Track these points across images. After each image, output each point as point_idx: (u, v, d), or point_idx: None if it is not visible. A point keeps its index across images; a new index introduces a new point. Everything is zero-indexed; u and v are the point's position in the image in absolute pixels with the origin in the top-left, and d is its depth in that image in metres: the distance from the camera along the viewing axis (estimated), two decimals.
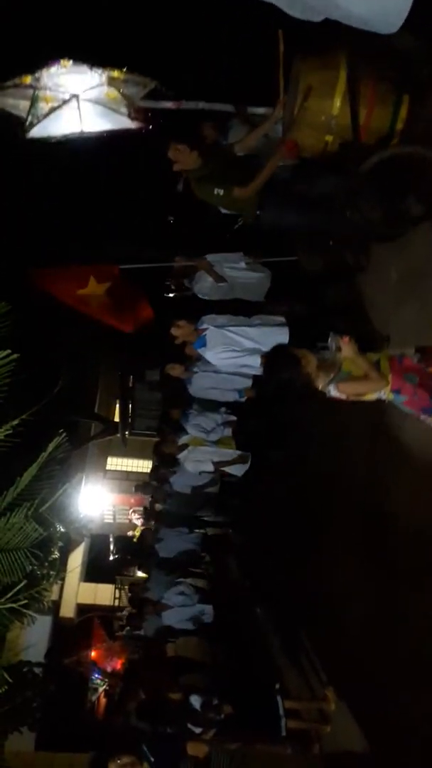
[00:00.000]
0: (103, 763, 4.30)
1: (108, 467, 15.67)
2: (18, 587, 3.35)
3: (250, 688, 4.90)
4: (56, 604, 12.18)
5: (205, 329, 5.31)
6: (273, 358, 3.06)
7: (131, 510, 13.27)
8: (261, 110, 4.90)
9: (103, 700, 12.64)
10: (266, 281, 6.12)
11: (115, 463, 15.80)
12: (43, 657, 10.09)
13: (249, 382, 5.99)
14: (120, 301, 6.08)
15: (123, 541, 13.47)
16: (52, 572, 5.65)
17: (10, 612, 3.47)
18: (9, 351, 3.19)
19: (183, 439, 6.80)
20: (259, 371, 5.52)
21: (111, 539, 13.82)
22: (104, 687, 12.27)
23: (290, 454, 6.82)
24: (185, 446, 6.79)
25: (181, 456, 6.84)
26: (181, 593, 7.20)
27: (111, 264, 6.13)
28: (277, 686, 4.80)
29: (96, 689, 12.56)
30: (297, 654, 5.45)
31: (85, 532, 11.76)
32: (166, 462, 7.37)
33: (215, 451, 6.76)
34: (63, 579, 11.32)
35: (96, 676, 12.57)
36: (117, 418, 15.03)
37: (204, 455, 6.75)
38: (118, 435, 14.29)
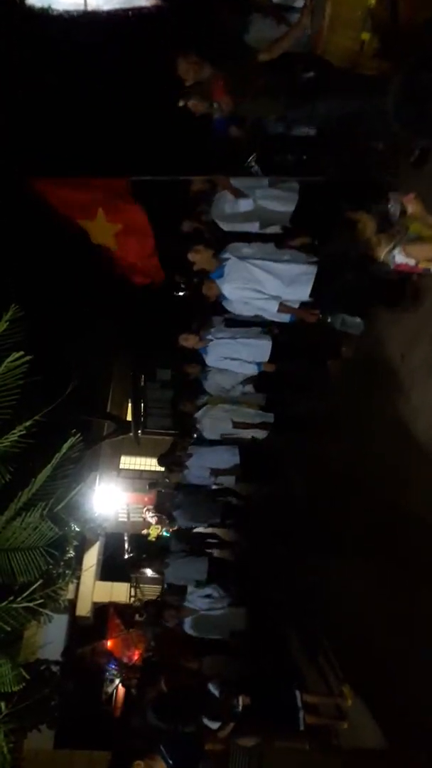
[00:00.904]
0: (122, 762, 4.32)
1: (121, 466, 15.75)
2: (34, 586, 3.38)
3: (269, 680, 4.91)
4: (72, 603, 12.23)
5: (227, 259, 4.86)
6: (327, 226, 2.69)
7: (145, 509, 13.32)
8: None
9: (120, 693, 12.49)
10: (293, 198, 5.06)
11: (128, 462, 15.87)
12: (60, 655, 10.16)
13: (267, 351, 5.75)
14: (130, 247, 5.33)
15: (137, 540, 13.53)
16: (67, 571, 5.69)
17: (27, 611, 3.50)
18: (22, 353, 3.20)
19: (202, 399, 6.46)
20: (275, 317, 5.20)
21: (126, 538, 13.89)
22: (120, 678, 12.09)
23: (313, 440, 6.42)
24: (203, 405, 6.46)
25: (198, 414, 6.47)
26: (207, 596, 6.60)
27: (120, 177, 5.22)
28: (296, 681, 4.80)
29: (112, 680, 12.41)
30: (315, 650, 5.44)
31: (100, 531, 11.85)
32: (183, 427, 7.00)
33: (235, 410, 6.37)
34: (78, 578, 11.38)
35: (112, 666, 12.39)
36: (129, 417, 15.10)
37: (223, 414, 6.36)
38: (131, 434, 14.34)
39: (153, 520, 12.37)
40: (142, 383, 14.59)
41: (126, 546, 13.69)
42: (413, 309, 4.05)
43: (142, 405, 14.52)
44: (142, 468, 15.66)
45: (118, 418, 15.00)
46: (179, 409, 6.95)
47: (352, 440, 5.31)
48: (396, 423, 4.46)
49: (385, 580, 4.40)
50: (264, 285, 4.74)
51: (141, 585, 13.71)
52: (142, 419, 14.43)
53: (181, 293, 10.56)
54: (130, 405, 15.34)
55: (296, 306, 4.97)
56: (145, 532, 13.36)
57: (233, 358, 5.90)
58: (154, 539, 12.90)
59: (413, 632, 3.91)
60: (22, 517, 3.64)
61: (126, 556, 13.32)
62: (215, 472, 7.06)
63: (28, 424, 3.40)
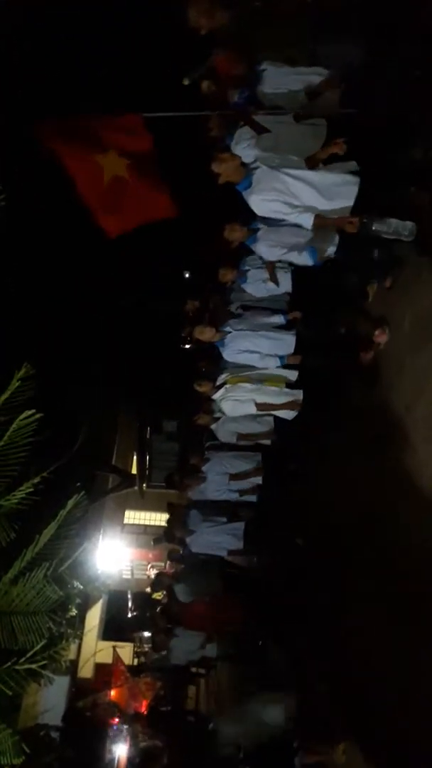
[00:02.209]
0: None
1: (126, 521, 15.56)
2: (36, 648, 3.31)
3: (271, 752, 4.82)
4: (74, 664, 11.87)
5: (255, 168, 4.30)
6: None
7: (149, 565, 13.09)
8: None
9: (122, 761, 11.77)
10: (321, 132, 4.48)
11: (132, 516, 15.69)
12: (61, 720, 9.81)
13: (291, 344, 5.30)
14: (142, 180, 4.88)
15: (141, 598, 13.22)
16: (69, 631, 5.56)
17: (28, 673, 3.41)
18: (34, 411, 3.25)
19: (221, 378, 5.75)
20: (300, 259, 4.65)
21: (129, 596, 13.58)
22: (126, 732, 11.00)
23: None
24: (222, 386, 5.77)
25: (217, 395, 5.78)
26: (205, 520, 6.60)
27: (132, 113, 4.86)
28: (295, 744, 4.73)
29: (118, 736, 11.27)
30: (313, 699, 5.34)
31: (103, 589, 11.61)
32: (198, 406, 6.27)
33: (258, 389, 5.62)
34: (81, 638, 11.09)
35: (116, 724, 11.28)
36: (134, 471, 15.03)
37: (245, 394, 5.65)
38: (136, 487, 14.25)
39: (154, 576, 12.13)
40: (148, 435, 14.60)
41: (129, 604, 13.38)
42: None
43: (148, 457, 14.49)
44: (147, 522, 15.47)
45: (123, 472, 14.95)
46: (195, 392, 6.10)
47: (356, 492, 5.29)
48: (403, 475, 4.46)
49: (398, 635, 4.30)
50: (298, 195, 4.17)
51: (144, 645, 13.27)
52: (147, 472, 14.36)
53: (186, 346, 10.74)
54: (135, 458, 15.30)
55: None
56: (148, 590, 13.07)
57: (253, 351, 5.42)
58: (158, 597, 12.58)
59: (421, 686, 3.80)
60: (26, 579, 3.59)
61: (129, 615, 13.00)
62: (235, 478, 6.52)
63: (35, 481, 3.41)
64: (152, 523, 15.14)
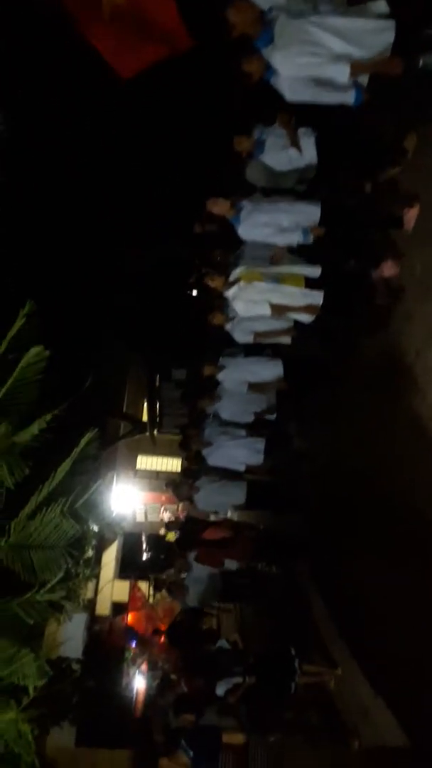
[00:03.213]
0: (146, 759, 4.39)
1: (138, 466, 15.83)
2: (55, 579, 3.42)
3: (273, 659, 5.10)
4: (92, 602, 12.29)
5: (274, 18, 3.77)
6: None
7: (162, 508, 13.35)
8: None
9: (141, 692, 11.97)
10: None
11: (145, 461, 15.95)
12: (81, 654, 10.22)
13: (316, 214, 4.64)
14: (145, 15, 4.39)
15: (155, 540, 13.56)
16: (86, 570, 5.73)
17: (48, 604, 3.54)
18: (42, 347, 3.25)
19: (234, 273, 5.11)
20: (341, 95, 3.93)
21: (143, 537, 13.93)
22: (143, 660, 10.81)
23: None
24: (236, 282, 5.14)
25: (230, 293, 5.18)
26: (224, 432, 6.43)
27: None
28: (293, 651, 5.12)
29: (135, 661, 11.07)
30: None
31: (118, 530, 11.90)
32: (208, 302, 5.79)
33: (275, 288, 5.00)
34: (98, 577, 11.44)
35: (133, 644, 11.06)
36: (145, 418, 15.16)
37: (260, 294, 5.05)
38: (147, 434, 14.41)
39: (167, 518, 12.40)
40: (158, 383, 14.63)
41: (144, 545, 13.73)
42: None
43: (158, 405, 14.57)
44: (159, 468, 15.73)
45: (134, 419, 15.07)
46: (206, 288, 5.59)
47: (367, 439, 5.30)
48: (412, 420, 4.45)
49: (407, 576, 4.39)
50: (327, 45, 3.67)
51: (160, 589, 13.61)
52: (157, 419, 14.48)
53: (194, 293, 10.61)
54: (145, 405, 15.40)
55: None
56: (162, 532, 13.37)
57: (271, 225, 4.79)
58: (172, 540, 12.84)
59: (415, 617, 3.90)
60: (43, 514, 3.67)
61: (144, 556, 13.35)
62: (255, 388, 6.12)
63: (47, 418, 3.44)
64: (164, 468, 15.40)
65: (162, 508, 14.10)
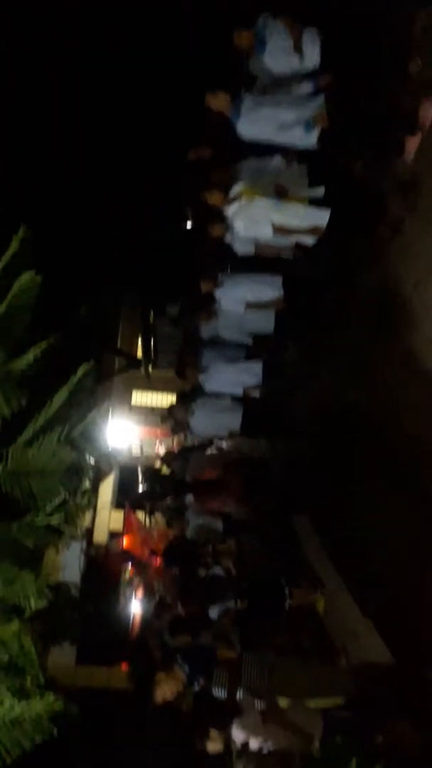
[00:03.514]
0: (142, 674, 4.61)
1: (133, 402, 15.95)
2: (55, 503, 3.49)
3: (264, 584, 5.33)
4: (89, 532, 12.66)
5: None
6: None
7: (158, 442, 13.52)
8: None
9: (137, 615, 11.89)
10: None
11: (140, 397, 16.06)
12: (79, 580, 10.61)
13: (320, 102, 4.39)
14: None
15: (151, 472, 13.83)
16: (84, 501, 5.85)
17: (48, 529, 3.63)
18: (34, 271, 3.18)
19: (234, 190, 4.87)
20: None
21: (139, 470, 14.20)
22: (139, 582, 10.84)
23: None
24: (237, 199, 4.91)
25: (230, 211, 4.95)
26: (221, 356, 6.24)
27: None
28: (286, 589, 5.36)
29: (131, 583, 11.12)
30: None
31: (114, 463, 12.12)
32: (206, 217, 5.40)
33: (277, 206, 4.73)
34: (95, 507, 11.73)
35: (128, 565, 11.15)
36: (140, 354, 15.13)
37: (262, 211, 4.79)
38: (142, 370, 14.41)
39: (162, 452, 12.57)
40: (152, 319, 14.50)
41: (140, 478, 14.02)
42: None
43: (152, 341, 14.50)
44: (154, 404, 15.85)
45: (129, 355, 15.03)
46: (204, 204, 5.23)
47: (362, 371, 5.30)
48: (408, 353, 4.44)
49: (397, 506, 4.50)
50: None
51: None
52: (152, 356, 14.45)
53: (189, 225, 10.35)
54: (140, 341, 15.34)
55: None
56: (158, 465, 13.60)
57: (273, 120, 4.53)
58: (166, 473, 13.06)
59: (423, 553, 4.03)
60: (40, 441, 3.71)
61: (140, 488, 13.65)
62: (253, 307, 5.84)
63: (43, 345, 3.42)
64: (159, 404, 15.51)
65: (157, 443, 14.29)
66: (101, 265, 10.85)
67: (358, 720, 3.37)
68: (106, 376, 13.13)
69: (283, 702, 3.97)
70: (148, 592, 10.60)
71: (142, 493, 13.15)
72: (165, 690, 4.23)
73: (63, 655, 9.73)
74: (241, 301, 5.75)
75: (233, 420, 6.46)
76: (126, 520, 12.03)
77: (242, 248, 5.29)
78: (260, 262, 5.67)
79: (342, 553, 5.48)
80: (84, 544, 11.46)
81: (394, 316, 4.62)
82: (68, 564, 8.98)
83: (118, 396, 15.14)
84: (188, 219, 9.95)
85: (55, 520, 3.57)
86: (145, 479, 13.30)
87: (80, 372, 3.81)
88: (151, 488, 11.77)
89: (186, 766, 4.72)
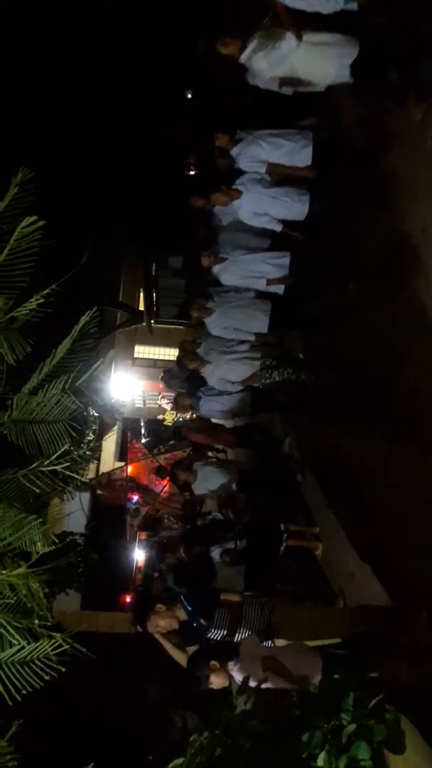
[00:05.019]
0: (144, 611, 4.74)
1: (136, 355, 15.95)
2: (60, 451, 3.51)
3: (262, 523, 5.46)
4: (93, 487, 12.85)
5: None
6: None
7: (160, 395, 13.57)
8: None
9: (139, 561, 11.64)
10: None
11: (142, 351, 16.05)
12: (84, 528, 10.83)
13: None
14: None
15: (154, 425, 13.97)
16: (88, 452, 5.90)
17: (54, 475, 3.67)
18: (35, 217, 3.11)
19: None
20: None
21: (142, 423, 14.33)
22: (149, 506, 10.40)
23: None
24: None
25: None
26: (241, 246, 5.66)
27: None
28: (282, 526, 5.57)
29: (137, 510, 10.63)
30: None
31: (117, 416, 12.19)
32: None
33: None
34: (99, 459, 11.86)
35: (134, 501, 10.68)
36: (142, 307, 15.04)
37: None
38: (144, 323, 14.35)
39: (168, 406, 12.63)
40: (154, 272, 14.35)
41: (143, 431, 14.16)
42: None
43: (155, 294, 14.39)
44: (157, 357, 15.85)
45: (131, 308, 14.94)
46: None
47: (370, 323, 5.26)
48: (419, 304, 4.39)
49: (393, 453, 4.54)
50: None
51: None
52: (154, 308, 14.36)
53: (191, 172, 10.12)
54: (141, 294, 15.22)
55: None
56: (160, 417, 13.72)
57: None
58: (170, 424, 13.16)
59: (421, 494, 4.09)
60: (45, 390, 3.70)
61: (143, 440, 13.78)
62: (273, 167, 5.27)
63: (45, 292, 3.38)
64: (162, 357, 15.51)
65: (160, 396, 14.35)
66: (104, 213, 10.68)
67: (355, 657, 3.49)
68: (108, 330, 13.08)
69: (281, 642, 4.10)
70: (155, 522, 10.32)
71: (146, 443, 13.28)
72: (159, 621, 4.36)
73: (68, 602, 10.02)
74: (262, 162, 5.19)
75: (259, 319, 5.92)
76: (129, 447, 11.75)
77: (265, 84, 5.03)
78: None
79: (340, 496, 5.57)
80: (88, 495, 11.65)
81: (401, 263, 4.56)
82: (72, 514, 9.15)
83: (120, 350, 15.13)
84: (190, 166, 9.75)
85: (60, 467, 3.60)
86: (148, 432, 13.44)
87: (83, 320, 3.77)
88: (155, 440, 11.87)
89: (190, 701, 4.92)
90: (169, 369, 8.42)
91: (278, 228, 5.43)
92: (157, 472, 9.45)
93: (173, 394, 12.62)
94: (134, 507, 10.70)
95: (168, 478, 8.61)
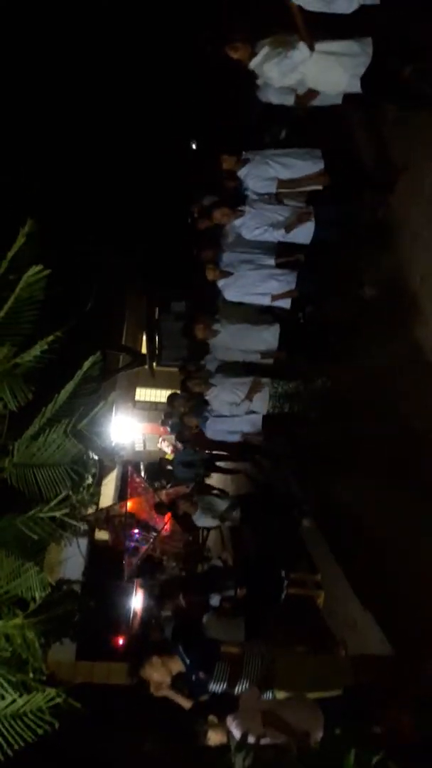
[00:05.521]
0: (140, 663, 4.62)
1: (137, 398, 16.01)
2: (60, 497, 3.51)
3: (262, 570, 5.40)
4: (92, 528, 12.69)
5: None
6: None
7: (161, 438, 13.54)
8: None
9: (138, 610, 11.60)
10: None
11: (144, 394, 16.11)
12: (81, 575, 10.64)
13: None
14: None
15: (153, 467, 13.88)
16: (87, 496, 5.87)
17: (51, 521, 3.65)
18: (41, 266, 3.20)
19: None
20: None
21: (142, 466, 14.25)
22: (149, 545, 9.94)
23: None
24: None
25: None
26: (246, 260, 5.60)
27: None
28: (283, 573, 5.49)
29: (137, 549, 10.15)
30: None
31: (117, 459, 12.14)
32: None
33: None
34: (97, 503, 11.72)
35: (135, 535, 10.21)
36: (144, 350, 15.18)
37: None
38: (146, 366, 14.46)
39: (168, 449, 12.60)
40: (156, 316, 14.55)
41: (143, 474, 14.07)
42: None
43: (157, 337, 14.55)
44: (157, 400, 15.90)
45: (133, 351, 15.08)
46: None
47: (368, 366, 5.32)
48: (416, 346, 4.45)
49: (395, 502, 4.52)
50: None
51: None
52: (156, 352, 14.49)
53: (195, 221, 10.37)
54: (144, 338, 15.38)
55: None
56: (162, 454, 13.63)
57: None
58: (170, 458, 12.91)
59: (421, 543, 4.05)
60: (46, 434, 3.73)
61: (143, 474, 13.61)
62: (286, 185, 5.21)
63: (50, 339, 3.44)
64: (162, 400, 15.55)
65: (160, 438, 14.32)
66: (108, 259, 10.91)
67: (357, 708, 3.40)
68: (110, 373, 13.17)
69: (280, 695, 3.99)
70: (153, 567, 10.05)
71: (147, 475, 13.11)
72: (153, 673, 4.22)
73: (63, 651, 9.77)
74: (272, 179, 5.15)
75: (267, 335, 5.83)
76: (129, 482, 11.40)
77: (278, 99, 4.94)
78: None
79: (342, 544, 5.51)
80: (86, 541, 11.49)
81: (401, 310, 4.64)
82: (70, 559, 9.02)
83: (121, 392, 15.19)
84: (193, 213, 10.00)
85: (59, 512, 3.59)
86: (148, 476, 13.34)
87: (87, 364, 3.82)
88: (154, 482, 11.71)
89: (186, 760, 4.75)
90: (170, 412, 8.45)
91: (280, 237, 5.34)
92: (156, 509, 9.29)
93: (174, 436, 12.64)
94: (133, 545, 10.32)
95: (168, 513, 8.49)
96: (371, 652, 4.60)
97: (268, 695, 4.00)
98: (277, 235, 5.27)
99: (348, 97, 4.63)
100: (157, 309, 14.50)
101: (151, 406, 15.91)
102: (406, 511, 4.36)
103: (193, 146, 11.30)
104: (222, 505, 6.71)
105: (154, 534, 9.59)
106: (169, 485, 9.57)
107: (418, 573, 4.10)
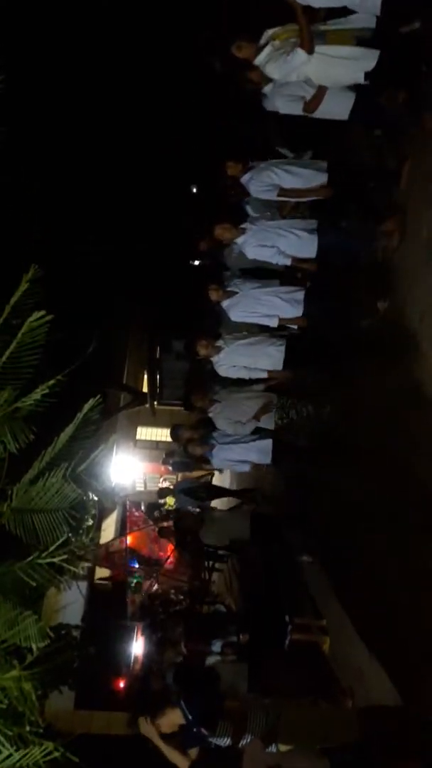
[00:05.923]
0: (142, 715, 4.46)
1: (138, 437, 15.93)
2: (58, 542, 3.45)
3: (266, 615, 5.27)
4: (91, 570, 12.48)
5: None
6: None
7: (162, 478, 13.43)
8: None
9: (139, 656, 11.25)
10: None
11: (144, 433, 16.05)
12: (80, 620, 10.39)
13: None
14: None
15: (154, 508, 13.72)
16: (86, 539, 5.79)
17: (50, 567, 3.58)
18: (44, 312, 3.23)
19: (266, 36, 4.61)
20: None
21: (143, 507, 14.10)
22: (150, 581, 9.81)
23: None
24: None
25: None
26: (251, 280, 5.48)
27: None
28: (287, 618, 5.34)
29: (138, 585, 10.01)
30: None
31: (117, 500, 12.01)
32: None
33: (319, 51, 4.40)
34: (98, 545, 11.56)
35: (134, 565, 10.13)
36: (145, 389, 15.20)
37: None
38: (147, 405, 14.46)
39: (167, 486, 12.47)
40: (158, 355, 14.65)
41: (144, 515, 13.91)
42: None
43: (158, 376, 14.61)
44: (159, 439, 15.83)
45: (134, 390, 15.10)
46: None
47: (367, 405, 5.30)
48: (416, 387, 4.45)
49: (404, 545, 4.44)
50: None
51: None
52: (157, 390, 14.53)
53: (197, 262, 10.53)
54: (145, 376, 15.43)
55: None
56: (161, 501, 13.47)
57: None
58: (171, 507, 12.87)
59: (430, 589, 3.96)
60: (45, 478, 3.69)
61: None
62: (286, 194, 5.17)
63: (51, 383, 3.44)
64: (164, 439, 15.50)
65: (161, 478, 14.21)
66: (108, 301, 11.04)
67: (364, 760, 3.27)
68: (111, 412, 13.15)
69: (283, 747, 3.85)
70: (159, 598, 9.75)
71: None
72: (146, 728, 4.08)
73: (61, 700, 9.46)
74: (275, 186, 5.09)
75: (272, 355, 5.68)
76: (128, 516, 11.28)
77: (285, 107, 4.82)
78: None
79: (348, 587, 5.39)
80: (86, 584, 11.26)
81: (401, 349, 4.65)
82: (69, 604, 8.82)
83: (122, 432, 15.15)
84: (196, 257, 10.15)
85: (58, 558, 3.52)
86: (149, 516, 13.20)
87: (86, 407, 3.81)
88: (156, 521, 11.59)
89: None
90: (171, 451, 8.39)
91: (287, 261, 5.24)
92: (159, 533, 9.10)
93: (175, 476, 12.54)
94: (135, 582, 10.11)
95: (170, 546, 8.35)
96: (378, 700, 4.45)
97: (272, 748, 3.86)
98: (284, 261, 5.24)
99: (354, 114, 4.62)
100: (158, 348, 14.61)
101: (152, 445, 15.84)
102: (416, 552, 4.28)
103: (194, 190, 11.54)
104: (230, 519, 6.59)
105: (157, 568, 9.33)
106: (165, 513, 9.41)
107: (428, 618, 4.00)
